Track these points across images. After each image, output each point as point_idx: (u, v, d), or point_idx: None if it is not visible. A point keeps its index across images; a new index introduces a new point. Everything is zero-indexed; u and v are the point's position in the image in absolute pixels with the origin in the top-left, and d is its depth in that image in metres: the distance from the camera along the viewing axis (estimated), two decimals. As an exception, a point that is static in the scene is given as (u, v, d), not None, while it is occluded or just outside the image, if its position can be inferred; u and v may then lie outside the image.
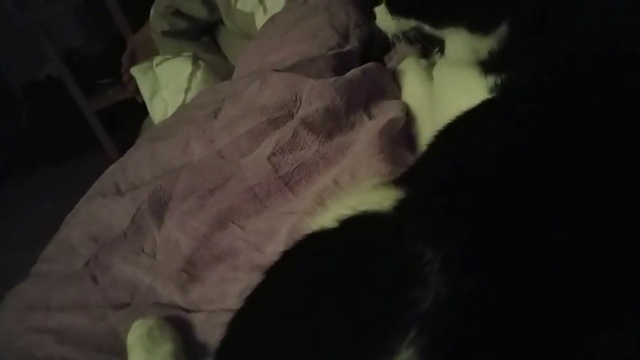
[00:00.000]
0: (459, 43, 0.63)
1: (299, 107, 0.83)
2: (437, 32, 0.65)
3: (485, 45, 0.61)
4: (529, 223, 0.45)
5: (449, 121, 0.59)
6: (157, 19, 1.61)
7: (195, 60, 1.26)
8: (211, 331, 0.66)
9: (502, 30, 0.60)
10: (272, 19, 1.14)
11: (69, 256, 0.81)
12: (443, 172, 0.52)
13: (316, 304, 0.47)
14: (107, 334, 0.71)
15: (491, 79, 0.61)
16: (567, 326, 0.41)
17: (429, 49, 0.75)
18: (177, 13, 1.56)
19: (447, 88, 0.70)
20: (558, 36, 0.59)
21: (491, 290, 0.42)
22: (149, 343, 0.66)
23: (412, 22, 0.67)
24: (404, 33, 0.69)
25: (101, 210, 0.82)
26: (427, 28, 0.66)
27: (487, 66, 0.62)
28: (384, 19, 0.70)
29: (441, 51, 0.68)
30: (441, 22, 0.64)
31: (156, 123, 1.30)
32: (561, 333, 0.41)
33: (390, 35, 0.72)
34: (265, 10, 1.24)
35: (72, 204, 0.92)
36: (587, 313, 0.42)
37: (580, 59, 0.56)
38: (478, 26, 0.60)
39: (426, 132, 0.69)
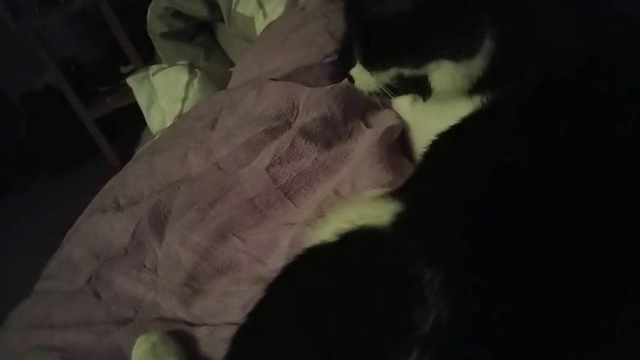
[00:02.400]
0: (446, 75, 0.61)
1: (296, 116, 0.83)
2: (420, 72, 0.62)
3: (474, 67, 0.59)
4: (530, 241, 0.44)
5: (442, 132, 0.58)
6: (154, 21, 1.61)
7: (191, 68, 1.26)
8: (215, 345, 0.66)
9: (487, 46, 0.57)
10: (269, 26, 1.14)
11: (71, 273, 0.81)
12: (439, 188, 0.52)
13: (317, 325, 0.47)
14: (111, 351, 0.71)
15: (477, 99, 0.60)
16: (571, 350, 0.41)
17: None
18: (177, 13, 1.57)
19: (428, 118, 0.68)
20: (543, 50, 0.57)
21: (493, 312, 0.42)
22: (153, 359, 0.66)
23: (392, 72, 0.64)
24: (385, 85, 0.66)
25: (101, 226, 0.82)
26: (408, 72, 0.63)
27: (476, 87, 0.60)
28: (362, 78, 0.67)
29: (424, 93, 0.65)
30: (421, 60, 0.61)
31: (154, 133, 1.30)
32: (565, 356, 0.41)
33: (370, 92, 0.69)
34: (265, 15, 1.24)
35: (75, 212, 0.92)
36: (589, 333, 0.42)
37: (565, 71, 0.55)
38: (461, 52, 0.58)
39: (420, 140, 0.68)
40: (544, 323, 0.41)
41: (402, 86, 0.65)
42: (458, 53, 0.58)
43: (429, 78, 0.62)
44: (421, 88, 0.64)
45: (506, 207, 0.46)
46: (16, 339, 0.77)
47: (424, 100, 0.65)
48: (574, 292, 0.43)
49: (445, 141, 0.58)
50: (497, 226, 0.46)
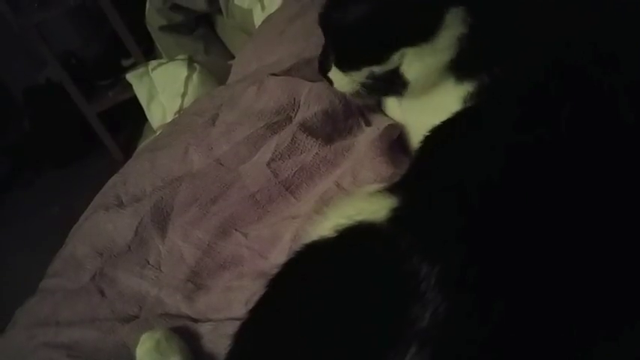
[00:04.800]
0: (414, 63, 0.63)
1: (297, 111, 0.83)
2: (389, 67, 0.64)
3: (439, 50, 0.61)
4: (527, 236, 0.44)
5: (434, 127, 0.58)
6: (153, 14, 1.61)
7: (190, 63, 1.25)
8: (218, 341, 0.67)
9: (450, 29, 0.59)
10: (268, 18, 1.13)
11: (75, 271, 0.82)
12: (435, 182, 0.52)
13: (317, 321, 0.48)
14: (117, 348, 0.72)
15: (466, 88, 0.60)
16: (569, 344, 0.41)
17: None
18: (175, 6, 1.57)
19: (420, 115, 0.69)
20: (525, 36, 0.57)
21: (490, 307, 0.42)
22: (158, 356, 0.66)
23: (364, 71, 0.67)
24: (361, 84, 0.69)
25: (104, 223, 0.83)
26: (378, 69, 0.65)
27: (459, 71, 0.61)
28: (339, 79, 0.71)
29: (400, 87, 0.67)
30: (386, 54, 0.63)
31: (154, 128, 1.31)
32: (562, 351, 0.41)
33: (349, 93, 0.73)
34: (263, 7, 1.24)
35: (79, 207, 0.92)
36: (588, 330, 0.42)
37: (555, 57, 0.55)
38: (417, 37, 0.61)
39: (415, 137, 0.68)
40: (541, 318, 0.42)
41: (377, 84, 0.68)
42: (415, 38, 0.61)
43: (401, 70, 0.65)
44: (396, 83, 0.67)
45: (503, 201, 0.46)
46: (22, 337, 0.77)
47: (402, 94, 0.68)
48: (572, 287, 0.42)
49: (438, 135, 0.58)
50: (493, 221, 0.45)
